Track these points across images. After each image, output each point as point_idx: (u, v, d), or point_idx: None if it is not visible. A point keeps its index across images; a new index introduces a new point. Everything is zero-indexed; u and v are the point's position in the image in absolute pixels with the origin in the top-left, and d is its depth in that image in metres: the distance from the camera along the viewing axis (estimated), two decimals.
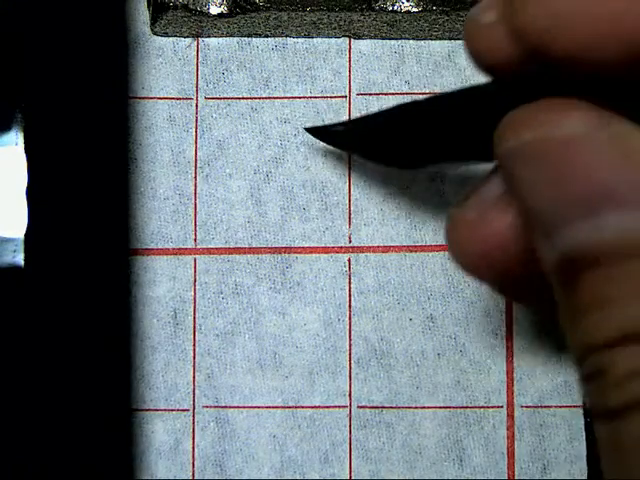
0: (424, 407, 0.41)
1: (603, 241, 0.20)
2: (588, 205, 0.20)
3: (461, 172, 0.41)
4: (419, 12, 0.41)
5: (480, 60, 0.23)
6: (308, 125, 0.42)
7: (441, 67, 0.43)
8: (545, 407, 0.41)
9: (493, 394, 0.41)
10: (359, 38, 0.43)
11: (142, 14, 0.43)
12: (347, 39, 0.43)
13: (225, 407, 0.41)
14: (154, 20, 0.42)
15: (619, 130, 0.20)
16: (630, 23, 0.19)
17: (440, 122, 0.32)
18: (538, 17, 0.20)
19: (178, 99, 0.43)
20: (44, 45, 0.39)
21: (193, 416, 0.41)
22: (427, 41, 0.43)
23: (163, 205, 0.42)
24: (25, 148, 0.37)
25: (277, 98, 0.43)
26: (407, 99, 0.42)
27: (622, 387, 0.20)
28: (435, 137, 0.33)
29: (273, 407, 0.41)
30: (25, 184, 0.37)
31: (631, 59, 0.20)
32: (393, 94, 0.42)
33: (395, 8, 0.41)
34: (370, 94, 0.43)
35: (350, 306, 0.42)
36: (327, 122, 0.42)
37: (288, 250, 0.42)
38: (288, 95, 0.43)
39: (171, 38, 0.43)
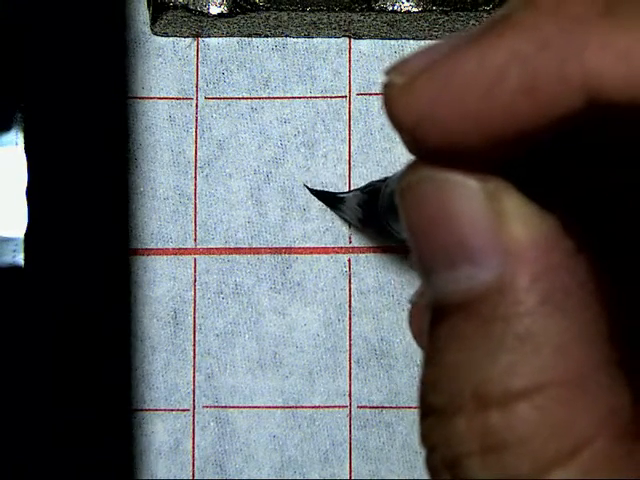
0: None
1: (455, 294, 0.21)
2: (449, 256, 0.21)
3: None
4: (419, 12, 0.41)
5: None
6: (308, 125, 0.42)
7: None
8: None
9: None
10: (359, 38, 0.43)
11: (142, 14, 0.43)
12: (347, 39, 0.43)
13: (225, 407, 0.41)
14: (154, 20, 0.42)
15: (494, 189, 0.21)
16: (487, 119, 0.20)
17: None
18: (405, 119, 0.21)
19: (178, 99, 0.43)
20: (44, 45, 0.39)
21: (193, 416, 0.41)
22: (427, 41, 0.43)
23: (163, 205, 0.42)
24: (25, 148, 0.37)
25: (277, 98, 0.43)
26: None
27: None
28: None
29: (273, 407, 0.41)
30: (25, 184, 0.37)
31: (500, 146, 0.21)
32: None
33: (395, 8, 0.41)
34: (370, 94, 0.43)
35: (350, 306, 0.42)
36: (327, 122, 0.42)
37: (288, 250, 0.42)
38: (288, 95, 0.43)
39: (171, 38, 0.43)
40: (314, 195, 0.42)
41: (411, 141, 0.21)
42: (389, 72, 0.21)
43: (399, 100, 0.21)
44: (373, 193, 0.38)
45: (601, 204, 0.22)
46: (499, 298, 0.21)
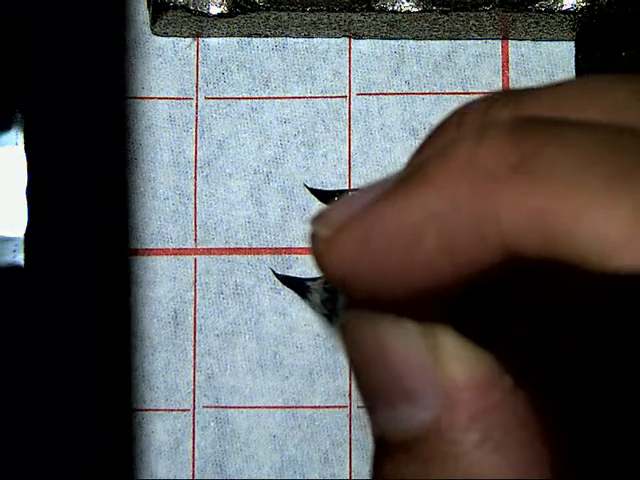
0: None
1: (396, 432, 0.21)
2: (387, 395, 0.21)
3: None
4: (419, 12, 0.41)
5: None
6: (308, 125, 0.42)
7: (441, 67, 0.43)
8: None
9: None
10: (359, 38, 0.43)
11: (142, 14, 0.43)
12: (347, 39, 0.43)
13: (225, 407, 0.41)
14: (154, 20, 0.42)
15: (430, 328, 0.21)
16: (407, 276, 0.20)
17: None
18: (331, 272, 0.21)
19: (178, 99, 0.43)
20: (44, 45, 0.39)
21: (193, 416, 0.41)
22: (427, 41, 0.43)
23: (163, 205, 0.42)
24: (25, 148, 0.37)
25: (277, 98, 0.43)
26: (407, 99, 0.43)
27: None
28: None
29: (273, 407, 0.41)
30: (25, 184, 0.37)
31: (426, 296, 0.21)
32: (393, 94, 0.43)
33: (395, 8, 0.41)
34: (370, 94, 0.43)
35: None
36: (327, 122, 0.42)
37: (288, 251, 0.42)
38: (288, 95, 0.43)
39: (171, 38, 0.43)
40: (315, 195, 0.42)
41: (342, 290, 0.22)
42: (314, 222, 0.22)
43: (324, 254, 0.21)
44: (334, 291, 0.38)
45: (543, 340, 0.22)
46: (437, 439, 0.20)
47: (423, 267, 0.20)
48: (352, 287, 0.21)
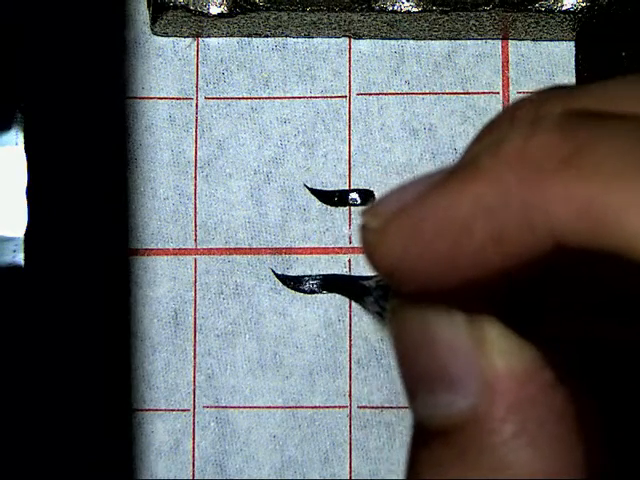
0: None
1: (435, 419, 0.22)
2: (429, 381, 0.22)
3: None
4: (419, 12, 0.41)
5: None
6: (308, 125, 0.42)
7: (441, 67, 0.43)
8: None
9: None
10: (359, 38, 0.43)
11: (142, 14, 0.43)
12: (347, 39, 0.43)
13: (225, 407, 0.41)
14: (154, 20, 0.42)
15: (476, 318, 0.22)
16: (456, 266, 0.21)
17: None
18: (381, 263, 0.22)
19: (178, 99, 0.43)
20: (44, 45, 0.39)
21: (193, 416, 0.41)
22: (427, 41, 0.43)
23: (163, 205, 0.42)
24: (25, 148, 0.37)
25: (277, 98, 0.43)
26: (407, 99, 0.43)
27: None
28: None
29: (273, 407, 0.41)
30: (25, 184, 0.37)
31: (474, 286, 0.21)
32: (393, 94, 0.43)
33: (395, 8, 0.41)
34: (370, 94, 0.43)
35: (350, 306, 0.42)
36: (327, 122, 0.42)
37: (288, 251, 0.42)
38: (288, 95, 0.43)
39: (171, 38, 0.43)
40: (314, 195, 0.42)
41: (391, 281, 0.22)
42: (364, 214, 0.22)
43: (375, 245, 0.21)
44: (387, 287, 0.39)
45: (586, 336, 0.23)
46: (474, 427, 0.21)
47: (472, 257, 0.20)
48: (402, 277, 0.21)
